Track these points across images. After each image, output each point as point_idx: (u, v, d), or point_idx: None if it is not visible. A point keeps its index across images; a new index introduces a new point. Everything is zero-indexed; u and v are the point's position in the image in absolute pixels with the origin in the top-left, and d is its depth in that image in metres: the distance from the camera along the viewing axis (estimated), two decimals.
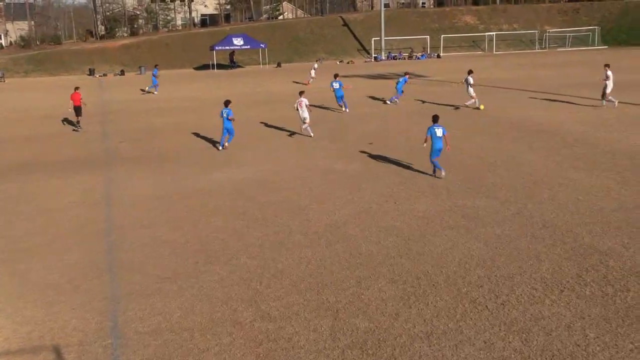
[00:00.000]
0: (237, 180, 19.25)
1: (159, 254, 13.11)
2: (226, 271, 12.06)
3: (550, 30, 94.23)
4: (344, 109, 33.29)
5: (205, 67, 78.76)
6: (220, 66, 76.62)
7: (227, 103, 24.23)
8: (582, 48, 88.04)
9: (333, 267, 11.99)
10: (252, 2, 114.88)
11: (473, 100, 32.08)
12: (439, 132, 18.24)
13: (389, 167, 20.14)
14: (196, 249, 13.40)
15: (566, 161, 19.67)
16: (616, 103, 29.99)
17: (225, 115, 23.90)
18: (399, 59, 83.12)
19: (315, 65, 54.36)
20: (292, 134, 27.01)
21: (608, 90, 30.06)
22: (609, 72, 29.66)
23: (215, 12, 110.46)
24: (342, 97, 33.46)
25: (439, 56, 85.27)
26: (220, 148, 24.43)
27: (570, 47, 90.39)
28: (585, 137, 23.30)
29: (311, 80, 51.05)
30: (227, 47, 78.32)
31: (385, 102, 36.25)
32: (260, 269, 12.08)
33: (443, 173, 18.37)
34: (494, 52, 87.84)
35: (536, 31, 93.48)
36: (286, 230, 14.31)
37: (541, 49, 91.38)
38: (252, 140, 26.08)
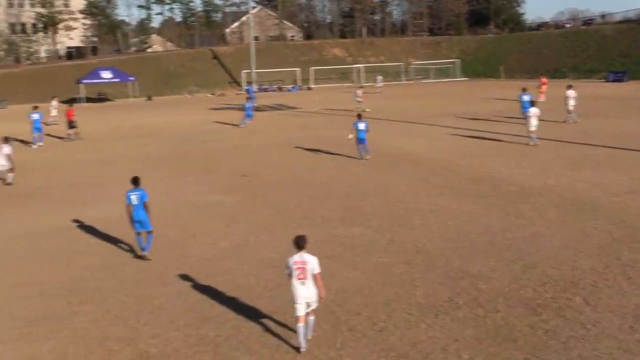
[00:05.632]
0: (107, 217, 18.38)
1: (27, 295, 12.50)
2: (101, 310, 11.64)
3: (415, 63, 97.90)
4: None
5: (72, 100, 75.99)
6: (89, 99, 74.41)
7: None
8: (444, 80, 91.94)
9: (212, 300, 11.85)
10: (119, 35, 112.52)
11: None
12: (361, 125, 25.12)
13: (264, 199, 20.16)
14: (68, 288, 12.87)
15: (434, 188, 20.40)
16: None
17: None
18: (270, 91, 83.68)
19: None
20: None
21: None
22: None
23: (81, 45, 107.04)
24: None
25: (309, 88, 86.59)
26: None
27: (434, 78, 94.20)
28: (449, 165, 24.24)
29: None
30: (96, 81, 76.08)
31: None
32: (137, 306, 11.75)
33: (368, 157, 25.32)
34: (363, 84, 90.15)
35: (402, 63, 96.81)
36: (162, 266, 14.01)
37: (407, 80, 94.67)
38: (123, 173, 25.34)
